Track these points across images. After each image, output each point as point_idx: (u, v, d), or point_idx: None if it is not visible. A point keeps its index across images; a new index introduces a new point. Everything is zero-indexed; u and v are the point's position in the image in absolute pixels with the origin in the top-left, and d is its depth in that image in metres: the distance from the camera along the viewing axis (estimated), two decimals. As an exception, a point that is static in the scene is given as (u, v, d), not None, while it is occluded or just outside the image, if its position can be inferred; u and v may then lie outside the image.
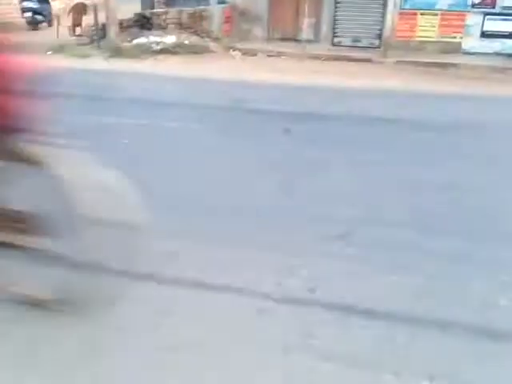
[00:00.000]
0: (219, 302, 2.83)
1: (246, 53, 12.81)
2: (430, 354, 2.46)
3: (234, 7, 14.06)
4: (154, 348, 2.45)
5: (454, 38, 12.90)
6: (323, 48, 13.21)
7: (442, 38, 12.96)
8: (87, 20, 13.70)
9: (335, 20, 13.58)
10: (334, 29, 13.66)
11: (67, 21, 14.15)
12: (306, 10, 12.77)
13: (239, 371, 2.34)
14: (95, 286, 2.71)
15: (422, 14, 12.91)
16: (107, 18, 12.00)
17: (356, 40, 13.49)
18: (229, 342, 2.53)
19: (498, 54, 12.64)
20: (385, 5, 12.57)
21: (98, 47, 12.08)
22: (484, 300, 2.89)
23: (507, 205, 4.28)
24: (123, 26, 12.89)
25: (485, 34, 12.74)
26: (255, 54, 12.77)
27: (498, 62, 11.86)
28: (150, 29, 13.07)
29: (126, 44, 12.08)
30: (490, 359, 2.44)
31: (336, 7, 13.47)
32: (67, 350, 2.43)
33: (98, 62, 11.03)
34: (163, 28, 13.05)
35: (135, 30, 13.16)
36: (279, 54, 12.69)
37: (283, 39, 14.07)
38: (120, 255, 2.94)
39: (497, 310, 2.81)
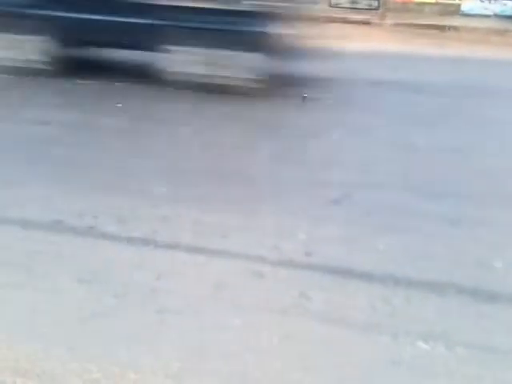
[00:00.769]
0: (216, 266, 2.84)
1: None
2: (425, 316, 2.49)
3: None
4: (154, 311, 2.47)
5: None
6: (320, 9, 12.91)
7: (441, -1, 12.70)
8: None
9: (333, -19, 13.25)
10: (331, -10, 13.35)
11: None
12: (303, -31, 12.41)
13: (237, 332, 2.36)
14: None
15: (420, -25, 12.62)
16: None
17: (354, 1, 13.19)
18: (226, 304, 2.54)
19: (497, 15, 12.41)
20: (383, -36, 12.25)
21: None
22: (479, 262, 2.91)
23: (503, 168, 4.26)
24: None
25: (484, -5, 12.49)
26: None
27: (498, 24, 11.66)
28: None
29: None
30: (484, 320, 2.47)
31: (333, -33, 13.13)
32: (66, 315, 2.44)
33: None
34: None
35: None
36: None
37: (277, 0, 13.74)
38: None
39: (492, 272, 2.84)
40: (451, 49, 9.47)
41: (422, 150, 4.55)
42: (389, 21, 11.70)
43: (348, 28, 11.34)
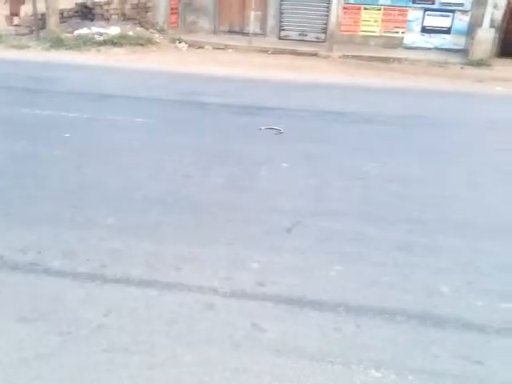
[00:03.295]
0: (168, 300, 2.78)
1: (193, 45, 12.65)
2: (376, 343, 2.50)
3: (179, -2, 13.83)
4: (102, 350, 2.38)
5: (397, 32, 13.23)
6: (270, 41, 13.23)
7: (384, 32, 13.26)
8: (26, 9, 13.09)
9: (281, 14, 13.60)
10: (280, 22, 13.68)
11: (4, 10, 13.45)
12: (253, 2, 12.69)
13: (188, 369, 2.30)
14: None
15: (365, 9, 13.15)
16: (47, 7, 11.51)
17: (302, 34, 13.58)
18: (177, 339, 2.48)
19: (437, 48, 13.06)
20: (330, -1, 12.71)
21: (38, 38, 11.57)
22: (427, 288, 2.97)
23: (447, 195, 4.42)
24: (64, 17, 12.39)
25: (425, 29, 13.14)
26: (202, 47, 12.62)
27: (438, 57, 12.26)
28: (92, 19, 12.63)
29: (68, 35, 11.62)
30: (433, 346, 2.51)
31: (282, 1, 13.50)
32: (7, 356, 2.31)
33: (38, 54, 10.59)
34: (106, 19, 12.65)
35: (77, 20, 12.68)
36: (226, 47, 12.60)
37: (230, 32, 13.99)
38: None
39: (439, 297, 2.90)
40: (395, 80, 9.85)
41: (371, 179, 4.66)
42: (336, 53, 12.09)
43: (296, 60, 11.68)
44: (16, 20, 13.17)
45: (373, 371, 2.31)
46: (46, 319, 2.55)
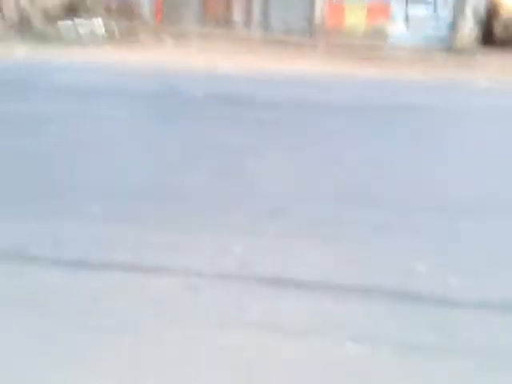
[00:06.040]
0: (153, 284, 2.86)
1: (179, 37, 12.66)
2: (353, 318, 2.61)
3: (164, -9, 13.81)
4: (89, 329, 2.46)
5: (381, 23, 13.33)
6: (256, 31, 13.27)
7: (369, 23, 13.35)
8: (8, 4, 13.01)
9: (267, 4, 13.64)
10: (266, 13, 13.73)
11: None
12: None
13: (176, 351, 2.39)
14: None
15: (349, 0, 13.23)
16: (31, 2, 11.47)
17: (287, 24, 13.63)
18: (164, 321, 2.57)
19: (422, 37, 13.18)
20: (315, -10, 12.78)
21: (22, 34, 11.53)
22: (402, 266, 3.09)
23: (423, 179, 4.53)
24: (48, 12, 12.37)
25: (409, 20, 13.25)
26: (189, 38, 12.64)
27: (423, 46, 12.39)
28: (78, 15, 12.63)
29: (53, 30, 11.60)
30: (409, 320, 2.62)
31: (267, -9, 13.55)
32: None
33: (21, 50, 10.54)
34: (92, 13, 12.65)
35: (62, 15, 12.67)
36: (212, 38, 12.63)
37: (216, 22, 14.01)
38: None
39: (414, 275, 3.02)
40: (379, 68, 9.96)
41: (351, 165, 4.77)
42: (321, 43, 12.16)
43: (282, 50, 11.73)
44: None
45: (349, 344, 2.42)
46: (33, 306, 2.64)
